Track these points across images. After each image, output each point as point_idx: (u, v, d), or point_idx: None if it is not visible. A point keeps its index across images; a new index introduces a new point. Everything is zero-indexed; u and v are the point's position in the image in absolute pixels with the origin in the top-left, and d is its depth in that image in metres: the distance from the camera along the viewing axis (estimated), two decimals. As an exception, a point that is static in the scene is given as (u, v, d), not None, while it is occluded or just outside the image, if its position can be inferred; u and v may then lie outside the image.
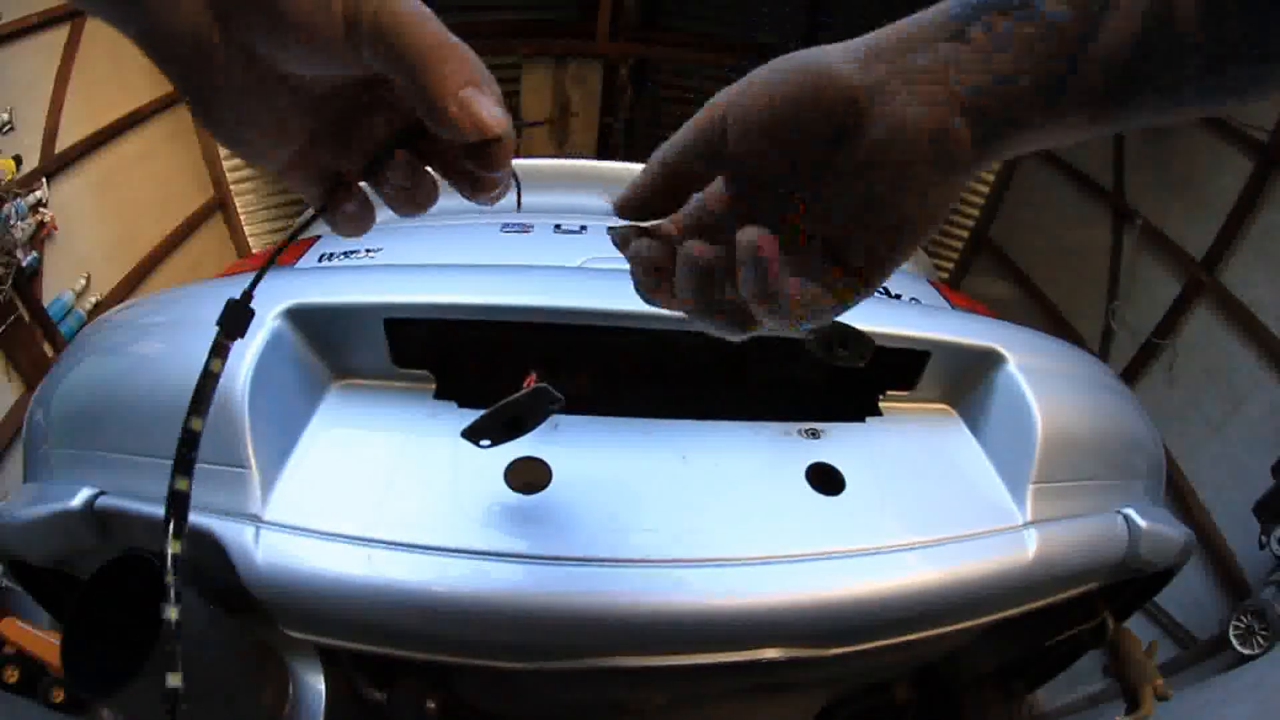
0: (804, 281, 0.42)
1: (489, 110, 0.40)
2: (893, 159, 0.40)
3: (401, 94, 0.41)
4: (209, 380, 0.48)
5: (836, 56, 0.42)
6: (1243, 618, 3.85)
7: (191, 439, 0.48)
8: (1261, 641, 3.75)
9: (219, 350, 0.48)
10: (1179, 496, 4.41)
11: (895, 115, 0.40)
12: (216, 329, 0.48)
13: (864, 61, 0.41)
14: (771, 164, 0.43)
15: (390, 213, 0.48)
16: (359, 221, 0.46)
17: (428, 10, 0.40)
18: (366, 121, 0.43)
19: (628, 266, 0.50)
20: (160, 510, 0.86)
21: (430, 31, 0.39)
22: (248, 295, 0.49)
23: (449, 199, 1.63)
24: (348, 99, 0.43)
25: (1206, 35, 0.36)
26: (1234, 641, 3.83)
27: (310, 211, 0.48)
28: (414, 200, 0.45)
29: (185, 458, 0.48)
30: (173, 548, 0.49)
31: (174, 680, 0.49)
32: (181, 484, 0.49)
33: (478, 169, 0.43)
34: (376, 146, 0.43)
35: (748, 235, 0.41)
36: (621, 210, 0.48)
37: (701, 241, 0.45)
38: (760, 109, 0.42)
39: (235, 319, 0.49)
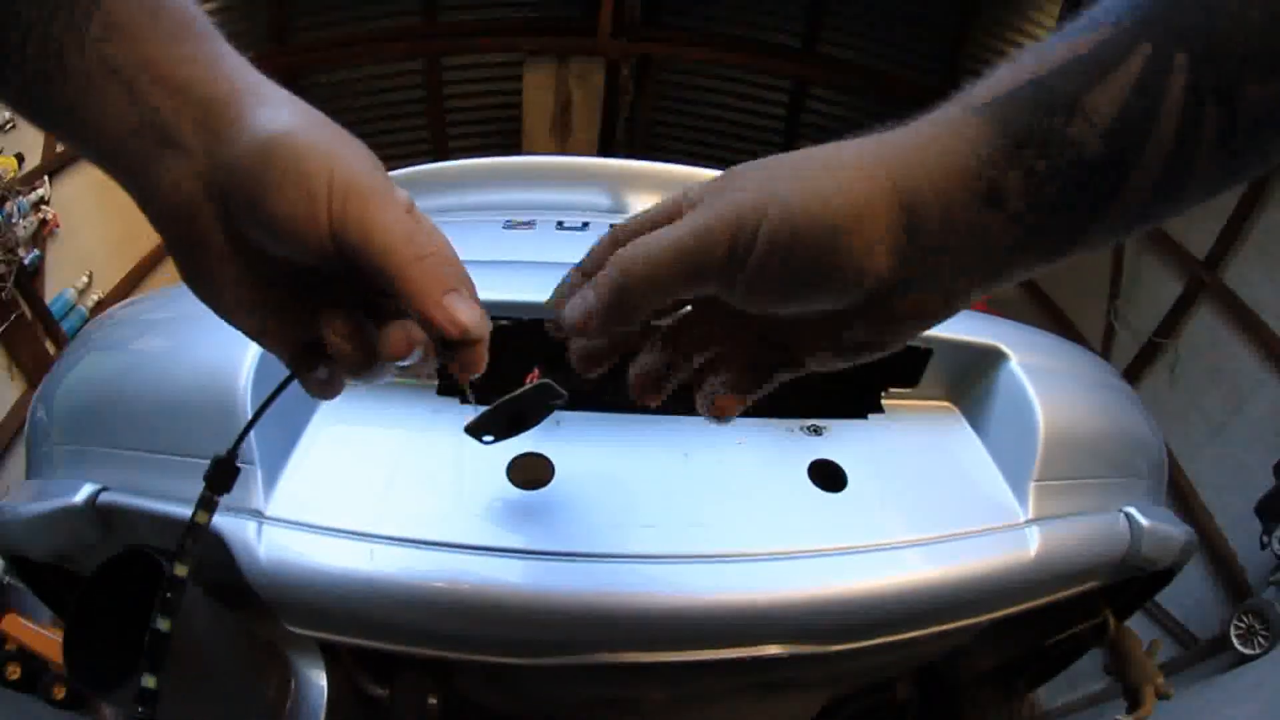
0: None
1: (469, 316, 0.42)
2: (898, 323, 0.42)
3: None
4: (195, 532, 0.52)
5: (874, 230, 0.39)
6: (1244, 618, 3.86)
7: (175, 586, 0.53)
8: (1263, 641, 3.75)
9: (206, 504, 0.52)
10: (1180, 496, 4.41)
11: (919, 301, 0.41)
12: (203, 484, 0.51)
13: (904, 248, 0.39)
14: (766, 318, 0.44)
15: None
16: (330, 386, 0.47)
17: (409, 218, 0.41)
18: (339, 293, 0.44)
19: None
20: (164, 506, 0.87)
21: (413, 243, 0.40)
22: (233, 455, 0.52)
23: (449, 196, 1.63)
24: (325, 273, 0.43)
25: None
26: (1235, 641, 3.84)
27: (284, 377, 0.49)
28: (363, 363, 0.45)
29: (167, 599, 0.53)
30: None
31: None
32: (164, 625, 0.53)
33: (456, 364, 0.44)
34: (346, 313, 0.44)
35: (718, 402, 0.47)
36: (569, 322, 0.47)
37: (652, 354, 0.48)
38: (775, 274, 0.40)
39: (222, 476, 0.52)
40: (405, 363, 0.43)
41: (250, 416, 0.53)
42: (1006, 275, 0.40)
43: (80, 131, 0.40)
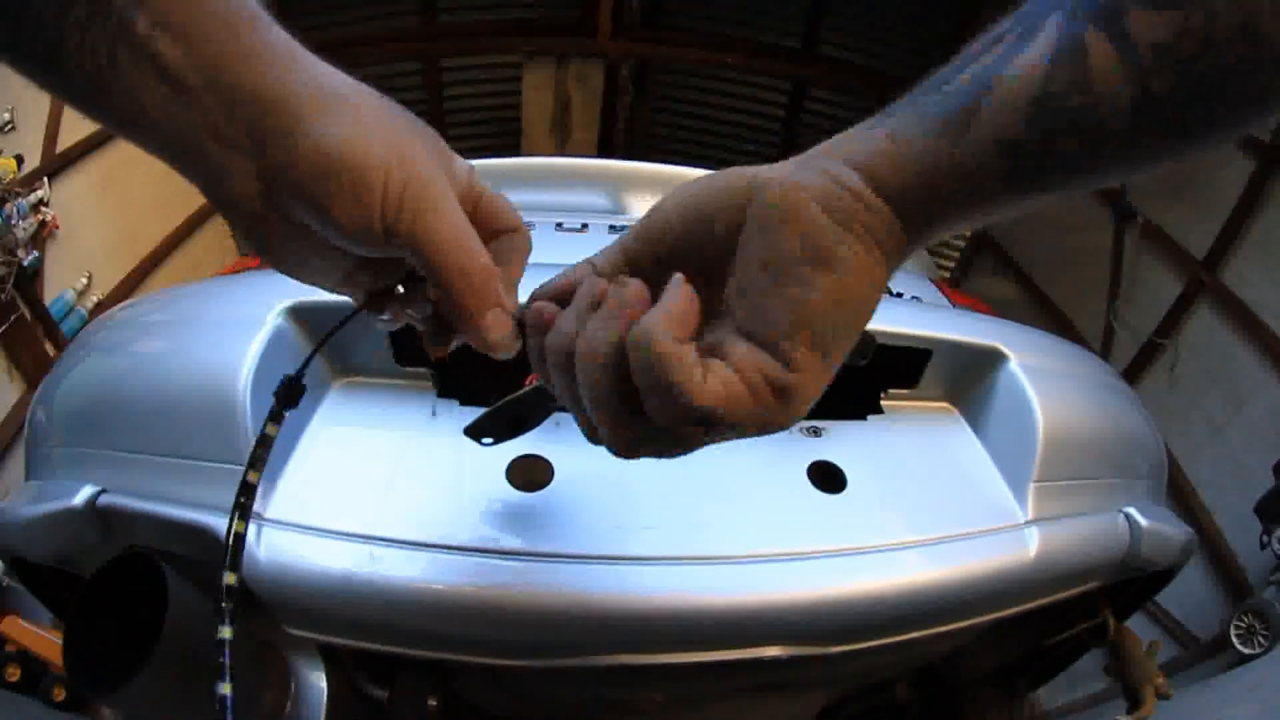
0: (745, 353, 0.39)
1: (498, 337, 0.46)
2: (789, 222, 0.38)
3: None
4: (265, 443, 0.55)
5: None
6: (1244, 617, 3.85)
7: (249, 490, 0.55)
8: (1263, 641, 3.75)
9: (275, 418, 0.55)
10: (1180, 496, 4.41)
11: (781, 181, 0.39)
12: (273, 399, 0.54)
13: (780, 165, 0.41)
14: (686, 256, 0.43)
15: None
16: (394, 322, 0.52)
17: (464, 226, 0.44)
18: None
19: None
20: (163, 508, 0.87)
21: (465, 251, 0.43)
22: (300, 374, 0.55)
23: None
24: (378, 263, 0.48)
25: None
26: (1235, 641, 3.83)
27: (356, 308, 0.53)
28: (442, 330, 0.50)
29: (242, 504, 0.55)
30: (229, 579, 0.56)
31: (225, 689, 0.54)
32: (239, 526, 0.56)
33: (432, 347, 0.52)
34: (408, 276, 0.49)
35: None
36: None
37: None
38: (675, 211, 0.43)
39: (290, 393, 0.55)
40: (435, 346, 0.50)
41: (314, 347, 0.58)
42: (872, 176, 0.39)
43: (138, 131, 0.40)
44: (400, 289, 0.49)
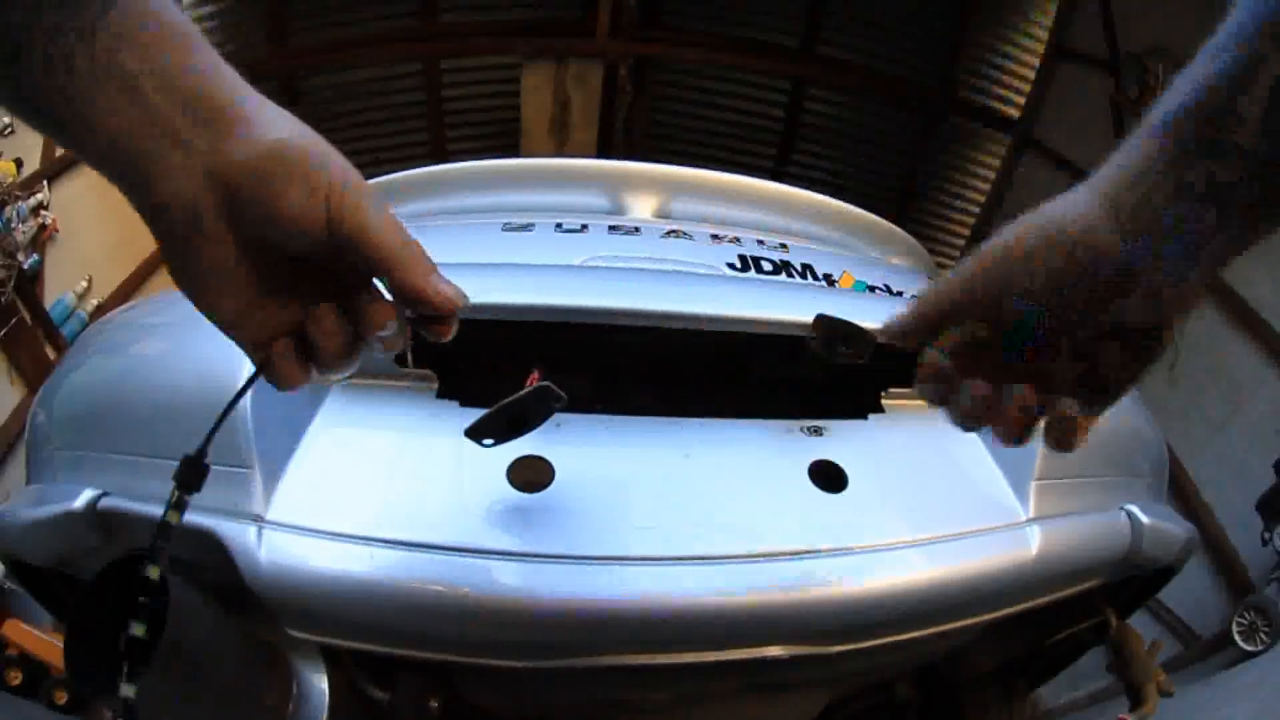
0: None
1: (452, 290, 0.50)
2: (1155, 316, 0.51)
3: (357, 274, 0.49)
4: (164, 533, 0.55)
5: (1092, 220, 0.48)
6: (1246, 614, 3.85)
7: (151, 588, 0.56)
8: (1265, 638, 3.75)
9: (178, 505, 0.55)
10: (1181, 494, 4.41)
11: (1155, 287, 0.49)
12: (173, 484, 0.54)
13: (1120, 225, 0.48)
14: (1036, 321, 0.50)
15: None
16: (296, 377, 0.51)
17: (392, 216, 0.48)
18: (307, 285, 0.49)
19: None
20: (162, 511, 0.87)
21: (396, 234, 0.48)
22: (201, 454, 0.56)
23: (448, 198, 1.63)
24: (301, 266, 0.49)
25: None
26: (1237, 638, 3.83)
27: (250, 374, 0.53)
28: (345, 352, 0.51)
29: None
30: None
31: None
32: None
33: (433, 334, 0.52)
34: (312, 304, 0.50)
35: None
36: (889, 333, 0.58)
37: (980, 381, 0.53)
38: (1025, 275, 0.49)
39: (191, 475, 0.56)
40: (385, 333, 0.50)
41: (219, 417, 0.57)
42: (1210, 257, 0.48)
43: (84, 133, 0.43)
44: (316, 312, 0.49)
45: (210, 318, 0.49)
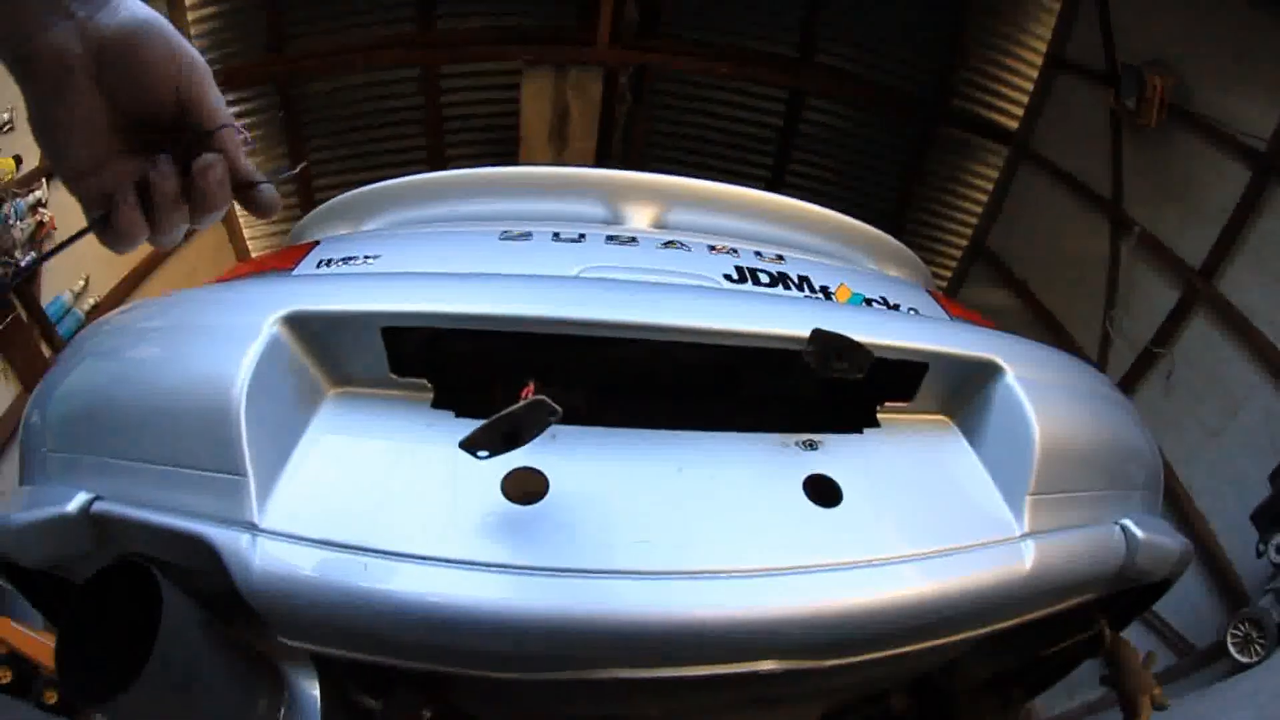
0: None
1: (252, 169, 0.60)
2: None
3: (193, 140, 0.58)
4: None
5: None
6: (1240, 626, 3.85)
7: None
8: (1259, 649, 3.75)
9: None
10: (1176, 505, 4.41)
11: None
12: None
13: None
14: None
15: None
16: (131, 239, 0.58)
17: (221, 98, 0.59)
18: (151, 147, 0.58)
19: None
20: (157, 516, 0.87)
21: (224, 110, 0.59)
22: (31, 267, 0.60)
23: (445, 206, 1.62)
24: (149, 126, 0.57)
25: None
26: (1232, 650, 3.83)
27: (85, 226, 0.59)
28: (176, 197, 0.58)
29: None
30: None
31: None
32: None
33: (253, 207, 0.61)
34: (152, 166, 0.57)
35: None
36: None
37: None
38: None
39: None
40: (212, 175, 0.57)
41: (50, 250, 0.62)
42: None
43: None
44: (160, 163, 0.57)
45: (63, 168, 0.57)
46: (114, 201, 0.56)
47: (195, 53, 0.58)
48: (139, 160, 0.57)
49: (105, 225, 0.57)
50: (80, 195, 0.58)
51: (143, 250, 5.33)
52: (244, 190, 0.60)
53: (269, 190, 0.61)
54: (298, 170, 0.78)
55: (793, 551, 0.92)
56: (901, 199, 7.13)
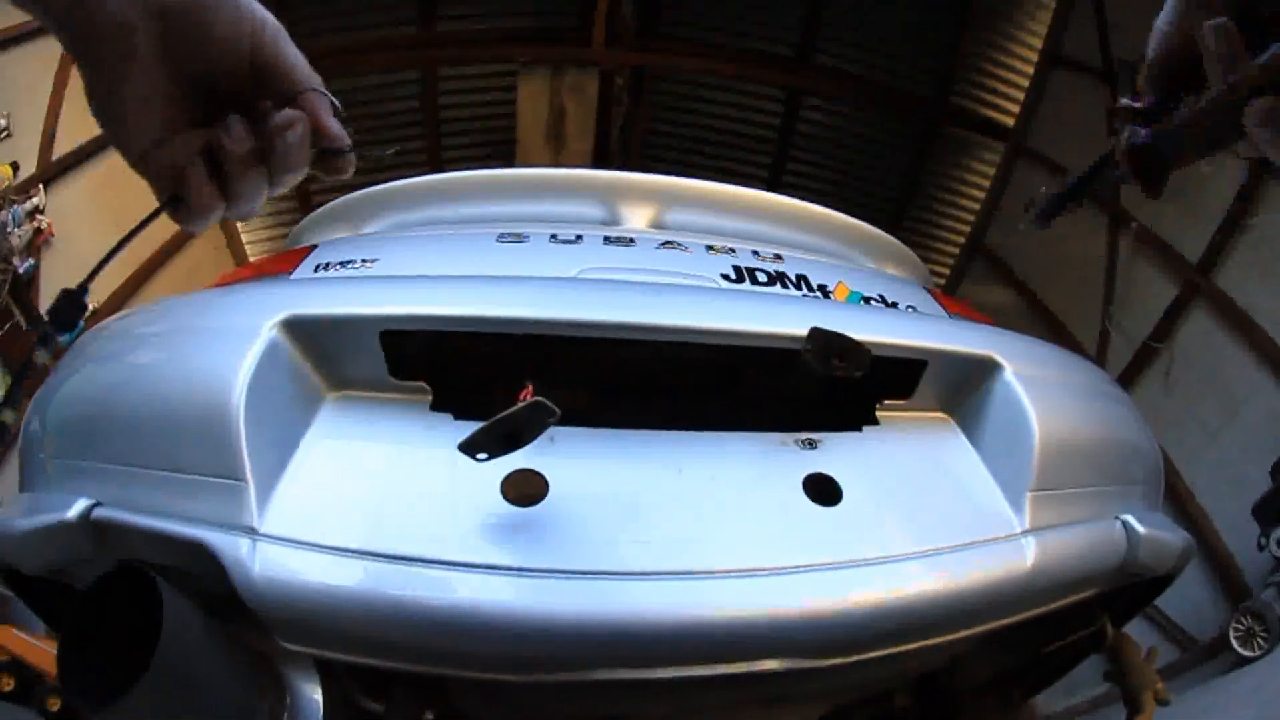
0: None
1: (341, 131, 0.57)
2: None
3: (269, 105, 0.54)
4: (30, 370, 0.57)
5: None
6: (1243, 620, 3.86)
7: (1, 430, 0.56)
8: (1262, 643, 3.75)
9: (43, 340, 0.57)
10: (1177, 500, 4.42)
11: None
12: (45, 319, 0.55)
13: None
14: None
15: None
16: (207, 213, 0.55)
17: (303, 58, 0.56)
18: (222, 115, 0.54)
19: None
20: (158, 522, 0.87)
21: (308, 69, 0.55)
22: (83, 287, 0.57)
23: (443, 208, 1.63)
24: (221, 97, 0.54)
25: None
26: (1234, 644, 3.84)
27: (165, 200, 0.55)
28: (252, 163, 0.54)
29: None
30: None
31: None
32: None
33: (329, 169, 0.58)
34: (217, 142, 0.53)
35: None
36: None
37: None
38: None
39: (68, 310, 0.57)
40: (291, 136, 0.53)
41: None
42: None
43: None
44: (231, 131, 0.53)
45: (127, 149, 0.53)
46: (185, 175, 0.53)
47: (267, 14, 0.54)
48: (210, 131, 0.54)
49: (177, 204, 0.54)
50: (148, 174, 0.54)
51: (140, 256, 5.33)
52: (327, 153, 0.56)
53: (349, 155, 0.58)
54: (391, 153, 0.74)
55: (793, 551, 0.92)
56: (899, 197, 7.15)
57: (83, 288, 0.57)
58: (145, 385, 0.99)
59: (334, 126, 0.56)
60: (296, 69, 0.55)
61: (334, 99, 0.56)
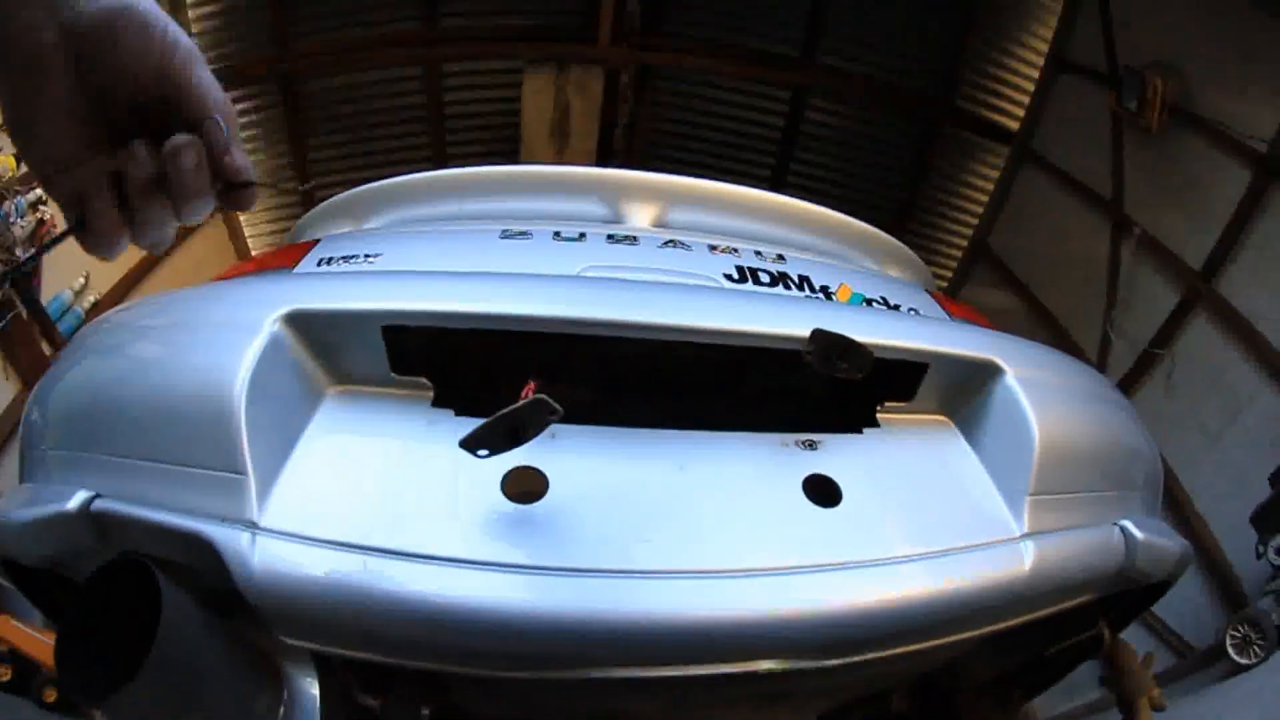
0: None
1: (245, 161, 0.56)
2: None
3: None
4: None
5: None
6: (1239, 627, 3.85)
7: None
8: (1258, 651, 3.74)
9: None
10: (1176, 506, 4.42)
11: None
12: None
13: None
14: None
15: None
16: (110, 240, 0.55)
17: (216, 81, 0.55)
18: (124, 152, 0.54)
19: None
20: (158, 514, 0.87)
21: (216, 94, 0.55)
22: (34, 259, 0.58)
23: (446, 204, 1.63)
24: (130, 118, 0.54)
25: None
26: (1231, 651, 3.83)
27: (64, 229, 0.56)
28: (153, 188, 0.54)
29: None
30: None
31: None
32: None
33: (230, 203, 0.57)
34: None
35: None
36: None
37: None
38: None
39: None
40: (185, 162, 0.53)
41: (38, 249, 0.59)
42: None
43: None
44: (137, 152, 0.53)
45: (38, 165, 0.54)
46: (89, 200, 0.53)
47: (181, 36, 0.54)
48: (116, 159, 0.54)
49: (83, 228, 0.53)
50: (56, 195, 0.54)
51: (139, 251, 5.33)
52: (227, 187, 0.56)
53: (251, 189, 0.57)
54: (275, 186, 0.74)
55: (792, 551, 0.92)
56: (903, 199, 7.14)
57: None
58: (147, 378, 0.99)
59: (235, 158, 0.55)
60: (206, 94, 0.54)
61: (224, 124, 0.55)
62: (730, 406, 1.11)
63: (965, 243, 7.14)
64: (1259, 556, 3.97)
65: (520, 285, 1.09)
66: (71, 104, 0.52)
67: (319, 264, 1.33)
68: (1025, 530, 1.03)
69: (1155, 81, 4.59)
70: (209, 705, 0.86)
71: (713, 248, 1.45)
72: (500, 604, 0.83)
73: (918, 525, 1.00)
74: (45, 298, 4.53)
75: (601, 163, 6.34)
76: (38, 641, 3.65)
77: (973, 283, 6.98)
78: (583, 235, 1.43)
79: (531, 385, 0.89)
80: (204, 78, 0.54)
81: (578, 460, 0.96)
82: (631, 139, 6.82)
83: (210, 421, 0.89)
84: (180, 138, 0.53)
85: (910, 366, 1.11)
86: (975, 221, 7.02)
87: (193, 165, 0.53)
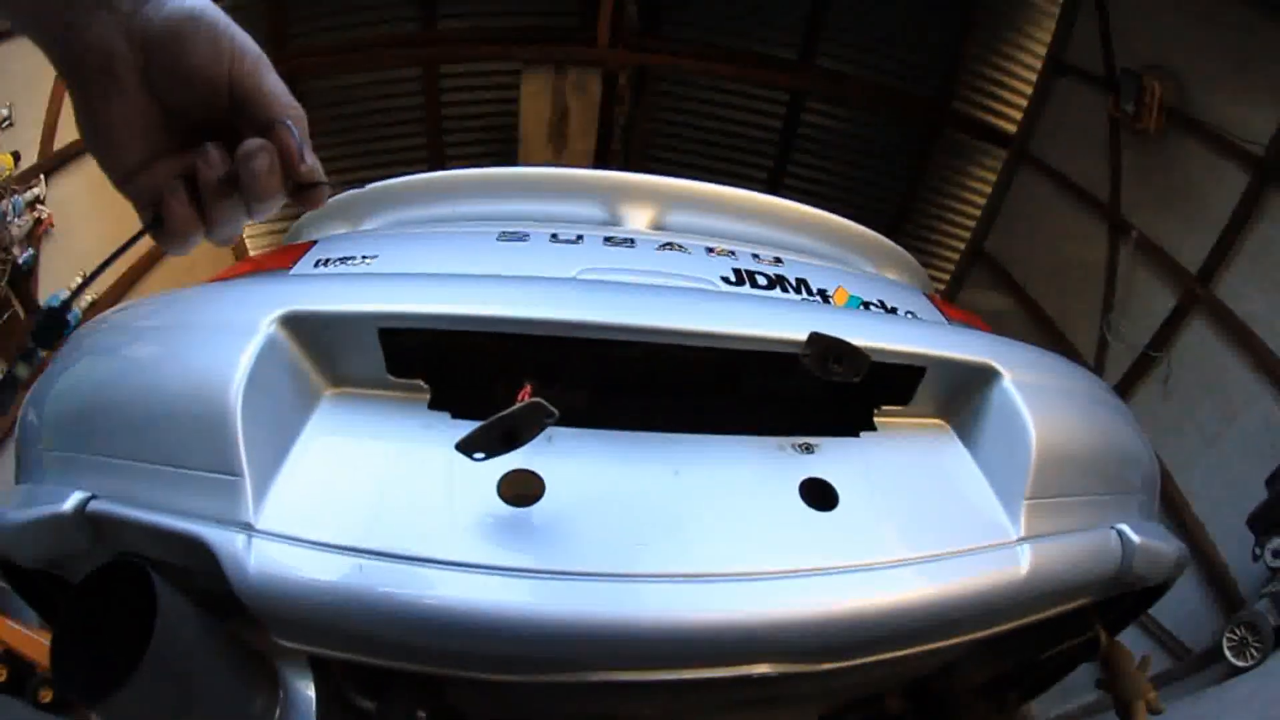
0: None
1: (316, 164, 0.57)
2: None
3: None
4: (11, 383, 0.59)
5: None
6: (1236, 630, 3.86)
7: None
8: (1255, 653, 3.75)
9: (26, 357, 0.60)
10: (1173, 509, 4.43)
11: None
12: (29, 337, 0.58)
13: None
14: None
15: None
16: (185, 237, 0.56)
17: (284, 87, 0.56)
18: (196, 153, 0.55)
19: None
20: (153, 516, 0.87)
21: (287, 99, 0.56)
22: (67, 305, 0.62)
23: (443, 206, 1.63)
24: (200, 125, 0.56)
25: None
26: (1228, 654, 3.84)
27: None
28: (226, 190, 0.55)
29: None
30: None
31: None
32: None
33: (301, 202, 0.59)
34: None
35: None
36: None
37: None
38: None
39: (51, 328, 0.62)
40: (256, 164, 0.54)
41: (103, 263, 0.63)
42: None
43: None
44: (209, 157, 0.55)
45: (111, 171, 0.55)
46: (165, 199, 0.55)
47: (248, 42, 0.55)
48: (190, 157, 0.55)
49: (159, 226, 0.55)
50: (131, 196, 0.56)
51: (140, 248, 5.32)
52: (298, 187, 0.57)
53: (322, 188, 0.59)
54: (347, 185, 0.75)
55: (788, 555, 0.92)
56: (900, 202, 7.15)
57: (66, 306, 0.60)
58: (143, 379, 0.99)
59: (307, 160, 0.56)
60: (276, 99, 0.55)
61: (294, 128, 0.56)
62: (727, 409, 1.11)
63: (963, 245, 7.16)
64: (1255, 559, 3.97)
65: (517, 288, 1.09)
66: (143, 110, 0.54)
67: (316, 265, 1.33)
68: (1022, 534, 1.03)
69: (1153, 84, 4.60)
70: (204, 707, 0.86)
71: (710, 250, 1.45)
72: (496, 607, 0.83)
73: (914, 529, 1.00)
74: (42, 297, 4.52)
75: (599, 164, 6.34)
76: (33, 642, 3.64)
77: (970, 286, 7.00)
78: (580, 237, 1.42)
79: (528, 388, 0.89)
80: (273, 82, 0.56)
81: (574, 463, 0.96)
82: (629, 141, 6.82)
83: (206, 423, 0.88)
84: (253, 142, 0.54)
85: (907, 370, 1.11)
86: (972, 224, 7.04)
87: (265, 169, 0.54)
